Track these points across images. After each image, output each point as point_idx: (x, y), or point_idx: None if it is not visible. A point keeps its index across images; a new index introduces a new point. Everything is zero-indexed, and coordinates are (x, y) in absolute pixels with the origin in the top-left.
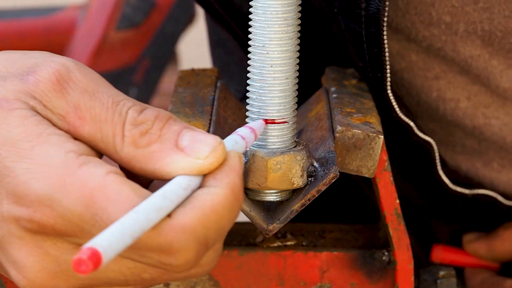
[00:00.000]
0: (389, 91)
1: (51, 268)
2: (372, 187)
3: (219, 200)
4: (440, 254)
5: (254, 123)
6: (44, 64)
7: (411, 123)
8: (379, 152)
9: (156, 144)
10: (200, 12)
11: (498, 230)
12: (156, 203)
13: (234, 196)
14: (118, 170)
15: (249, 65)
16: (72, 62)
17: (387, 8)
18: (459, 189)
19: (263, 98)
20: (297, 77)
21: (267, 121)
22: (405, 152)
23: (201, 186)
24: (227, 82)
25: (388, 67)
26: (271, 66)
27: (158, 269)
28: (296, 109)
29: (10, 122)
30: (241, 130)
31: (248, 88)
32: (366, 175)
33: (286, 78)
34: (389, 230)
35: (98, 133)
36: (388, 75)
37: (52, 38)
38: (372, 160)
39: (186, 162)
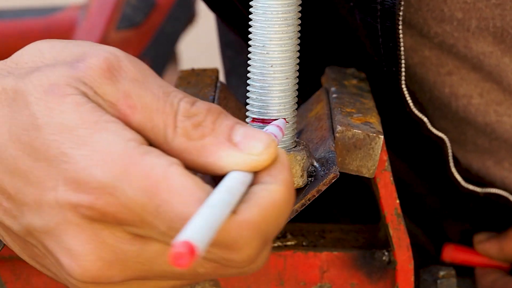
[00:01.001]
0: (403, 86)
1: (108, 258)
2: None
3: (278, 196)
4: (451, 253)
5: (278, 122)
6: (93, 52)
7: (425, 119)
8: (379, 152)
9: (209, 137)
10: (200, 12)
11: (509, 231)
12: (225, 198)
13: (289, 192)
14: (178, 161)
15: (249, 65)
16: (120, 51)
17: (402, 3)
18: (471, 187)
19: (263, 98)
20: (297, 77)
21: (265, 121)
22: (417, 149)
23: (255, 182)
24: (237, 82)
25: (403, 61)
26: (271, 66)
27: (214, 263)
28: (296, 109)
29: (64, 108)
30: (271, 129)
31: (248, 88)
32: (366, 175)
33: (286, 78)
34: (389, 230)
35: (148, 123)
36: (403, 69)
37: (52, 38)
38: (372, 160)
39: (240, 157)
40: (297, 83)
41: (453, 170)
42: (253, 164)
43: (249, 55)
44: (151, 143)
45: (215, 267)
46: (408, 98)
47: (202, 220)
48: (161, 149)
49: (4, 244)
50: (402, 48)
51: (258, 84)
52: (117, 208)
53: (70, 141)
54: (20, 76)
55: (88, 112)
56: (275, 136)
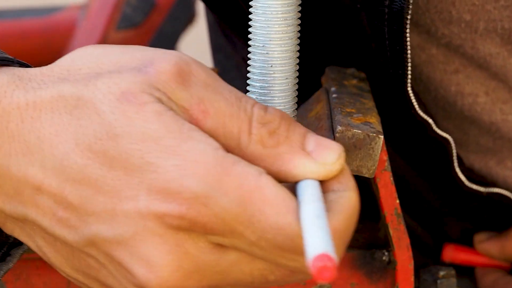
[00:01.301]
0: (409, 88)
1: (188, 268)
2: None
3: (353, 203)
4: (451, 253)
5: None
6: (161, 57)
7: (430, 120)
8: (379, 152)
9: (284, 145)
10: (200, 12)
11: (510, 231)
12: (323, 207)
13: (358, 198)
14: (264, 170)
15: (249, 65)
16: (187, 56)
17: (410, 6)
18: (474, 186)
19: (263, 98)
20: (297, 77)
21: None
22: (421, 149)
23: (326, 190)
24: None
25: (409, 64)
26: (271, 66)
27: (285, 271)
28: (296, 109)
29: (145, 118)
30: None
31: (248, 88)
32: (366, 175)
33: (286, 78)
34: (389, 230)
35: (221, 128)
36: (409, 72)
37: (52, 38)
38: (372, 160)
39: (314, 166)
40: (297, 83)
41: (457, 170)
42: (327, 173)
43: (249, 55)
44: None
45: (285, 275)
46: (414, 100)
47: (322, 231)
48: (234, 154)
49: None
50: (409, 51)
51: (258, 84)
52: (209, 218)
53: (157, 150)
54: (79, 83)
55: (170, 121)
56: None
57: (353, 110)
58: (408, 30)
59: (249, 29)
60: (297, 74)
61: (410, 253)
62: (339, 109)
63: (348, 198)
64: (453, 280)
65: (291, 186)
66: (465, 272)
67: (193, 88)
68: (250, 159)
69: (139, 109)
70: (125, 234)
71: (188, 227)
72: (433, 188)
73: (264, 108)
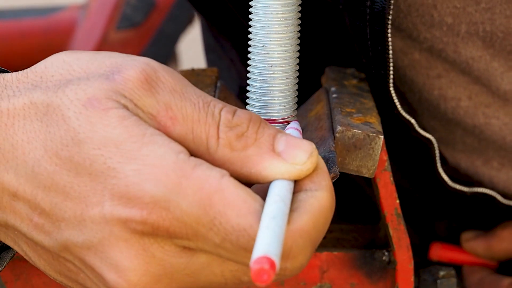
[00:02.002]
0: (391, 88)
1: (156, 272)
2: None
3: (324, 202)
4: (438, 252)
5: (293, 124)
6: (129, 63)
7: (412, 120)
8: (379, 152)
9: (252, 148)
10: None
11: (496, 229)
12: (283, 208)
13: (333, 197)
14: (228, 172)
15: (249, 65)
16: (155, 62)
17: (392, 7)
18: (458, 186)
19: (263, 98)
20: (297, 77)
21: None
22: (405, 149)
23: (298, 189)
24: None
25: (391, 64)
26: (271, 66)
27: None
28: (296, 109)
29: (108, 122)
30: (294, 133)
31: (248, 88)
32: (366, 175)
33: (286, 78)
34: (389, 230)
35: (190, 134)
36: (391, 72)
37: (52, 38)
38: (372, 160)
39: (285, 167)
40: (297, 83)
41: (440, 170)
42: (298, 173)
43: (249, 55)
44: (192, 154)
45: None
46: (396, 100)
47: (271, 233)
48: (203, 159)
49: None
50: (391, 52)
51: (258, 84)
52: (170, 222)
53: (118, 155)
54: (50, 89)
55: (133, 125)
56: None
57: (353, 110)
58: (389, 31)
59: (249, 29)
60: (297, 74)
61: (410, 253)
62: (339, 109)
63: (318, 197)
64: (453, 280)
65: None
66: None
67: (160, 95)
68: (220, 164)
69: (102, 115)
70: (93, 239)
71: (152, 232)
72: (418, 189)
73: (232, 112)
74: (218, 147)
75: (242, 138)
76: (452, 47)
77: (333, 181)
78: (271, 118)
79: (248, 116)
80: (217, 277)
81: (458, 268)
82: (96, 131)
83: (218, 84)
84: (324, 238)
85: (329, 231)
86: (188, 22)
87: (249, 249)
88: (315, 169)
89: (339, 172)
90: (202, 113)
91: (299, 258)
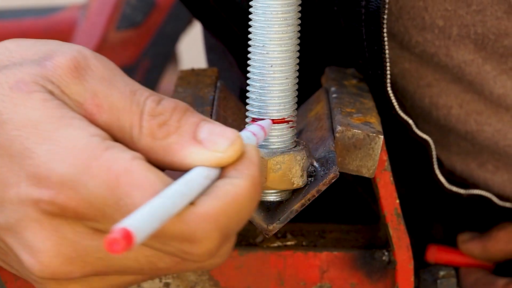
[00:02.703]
0: (389, 88)
1: (68, 253)
2: (371, 187)
3: (240, 191)
4: (434, 254)
5: (262, 122)
6: (61, 51)
7: (410, 121)
8: (379, 152)
9: (174, 136)
10: None
11: (492, 231)
12: (180, 190)
13: (255, 188)
14: (142, 156)
15: (249, 65)
16: (88, 50)
17: (387, 6)
18: (454, 188)
19: (263, 98)
20: (297, 77)
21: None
22: (402, 151)
23: (221, 176)
24: None
25: (388, 64)
26: (271, 66)
27: (174, 258)
28: (296, 109)
29: (30, 104)
30: (252, 127)
31: (248, 88)
32: (366, 175)
33: (286, 78)
34: (389, 230)
35: (115, 122)
36: (388, 72)
37: (52, 38)
38: (372, 160)
39: (205, 155)
40: (297, 83)
41: (437, 172)
42: (218, 161)
43: (249, 55)
44: (118, 142)
45: (175, 262)
46: (394, 101)
47: (149, 210)
48: (129, 148)
49: None
50: (387, 51)
51: (258, 84)
52: (78, 203)
53: (34, 136)
54: None
55: (53, 108)
56: (254, 135)
57: (353, 110)
58: (385, 30)
59: (249, 29)
60: (297, 74)
61: (410, 253)
62: (339, 109)
63: (236, 185)
64: (453, 280)
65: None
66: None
67: (88, 83)
68: (143, 152)
69: (26, 97)
70: (11, 220)
71: (61, 212)
72: (415, 191)
73: (158, 100)
74: (141, 136)
75: (164, 127)
76: (444, 50)
77: (333, 181)
78: (271, 118)
79: (173, 104)
80: (132, 262)
81: (455, 270)
82: (18, 112)
83: (218, 84)
84: (324, 238)
85: (329, 231)
86: (188, 22)
87: (157, 233)
88: (241, 158)
89: (339, 172)
90: (127, 102)
91: (204, 243)
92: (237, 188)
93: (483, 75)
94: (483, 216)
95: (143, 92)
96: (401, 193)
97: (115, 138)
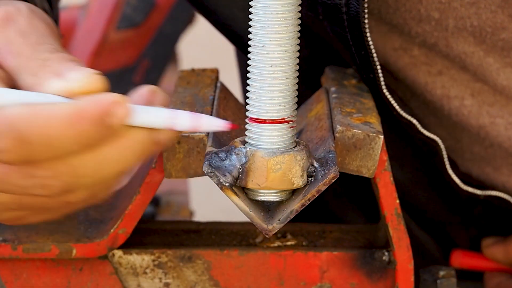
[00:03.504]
0: (384, 91)
1: None
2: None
3: (58, 112)
4: (459, 259)
5: (208, 117)
6: (5, 3)
7: (414, 121)
8: (379, 152)
9: (46, 71)
10: None
11: None
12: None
13: (78, 120)
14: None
15: (249, 65)
16: (29, 9)
17: (366, 10)
18: (470, 189)
19: (263, 98)
20: (297, 77)
21: (265, 121)
22: (415, 155)
23: None
24: None
25: (378, 67)
26: (271, 66)
27: (32, 197)
28: (296, 109)
29: None
30: (179, 111)
31: (248, 88)
32: (366, 175)
33: (286, 78)
34: (389, 230)
35: (19, 68)
36: (380, 75)
37: None
38: (372, 160)
39: (60, 84)
40: (297, 83)
41: (450, 172)
42: (70, 90)
43: (249, 55)
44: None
45: (35, 200)
46: (393, 102)
47: None
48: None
49: None
50: (374, 55)
51: (258, 84)
52: None
53: None
54: None
55: None
56: (172, 117)
57: (353, 110)
58: (368, 34)
59: (249, 29)
60: (297, 74)
61: (410, 253)
62: (339, 109)
63: (56, 105)
64: (453, 280)
65: None
66: (473, 276)
67: (7, 31)
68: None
69: None
70: None
71: None
72: (433, 196)
73: (54, 51)
74: (27, 76)
75: (44, 64)
76: (443, 41)
77: (333, 181)
78: (271, 118)
79: (61, 55)
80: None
81: (480, 275)
82: None
83: (218, 84)
84: (324, 238)
85: (329, 231)
86: (188, 22)
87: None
88: (91, 96)
89: (339, 172)
90: (32, 51)
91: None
92: (56, 107)
93: (485, 67)
94: (506, 220)
95: (49, 47)
96: (423, 198)
97: (19, 86)
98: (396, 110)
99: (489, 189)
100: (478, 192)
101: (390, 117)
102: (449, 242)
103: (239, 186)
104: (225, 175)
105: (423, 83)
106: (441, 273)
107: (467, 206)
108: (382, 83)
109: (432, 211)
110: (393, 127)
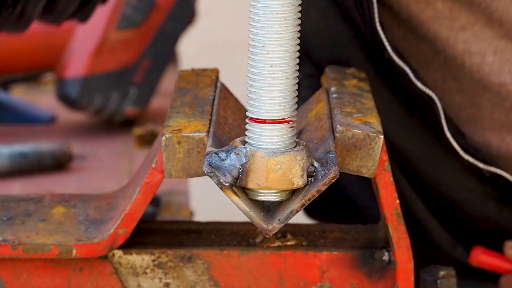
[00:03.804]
0: (378, 27)
1: None
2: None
3: None
4: (479, 257)
5: None
6: None
7: (407, 69)
8: (379, 152)
9: None
10: (200, 12)
11: None
12: None
13: None
14: None
15: (249, 65)
16: None
17: None
18: (471, 159)
19: (263, 98)
20: (297, 77)
21: (265, 121)
22: (411, 111)
23: None
24: None
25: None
26: (271, 66)
27: None
28: (296, 109)
29: None
30: None
31: (248, 88)
32: (366, 175)
33: (286, 78)
34: (389, 230)
35: None
36: (375, 5)
37: (53, 38)
38: (372, 160)
39: None
40: (297, 83)
41: (448, 135)
42: None
43: (249, 55)
44: None
45: None
46: (386, 42)
47: None
48: None
49: None
50: None
51: (258, 84)
52: None
53: None
54: None
55: None
56: None
57: (353, 110)
58: None
59: (249, 29)
60: (297, 74)
61: (410, 253)
62: (339, 109)
63: None
64: (453, 280)
65: None
66: (473, 276)
67: None
68: None
69: None
70: None
71: None
72: (443, 171)
73: None
74: None
75: None
76: None
77: (333, 181)
78: (271, 118)
79: None
80: None
81: (480, 275)
82: None
83: (218, 84)
84: (324, 238)
85: (329, 231)
86: (188, 22)
87: None
88: None
89: (339, 172)
90: None
91: None
92: None
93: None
94: None
95: None
96: (432, 172)
97: None
98: (387, 51)
99: (494, 166)
100: (481, 165)
101: (381, 63)
102: (461, 230)
103: (239, 186)
104: (225, 175)
105: (445, 38)
106: (441, 273)
107: (475, 184)
108: (376, 14)
109: (443, 188)
110: (384, 75)
